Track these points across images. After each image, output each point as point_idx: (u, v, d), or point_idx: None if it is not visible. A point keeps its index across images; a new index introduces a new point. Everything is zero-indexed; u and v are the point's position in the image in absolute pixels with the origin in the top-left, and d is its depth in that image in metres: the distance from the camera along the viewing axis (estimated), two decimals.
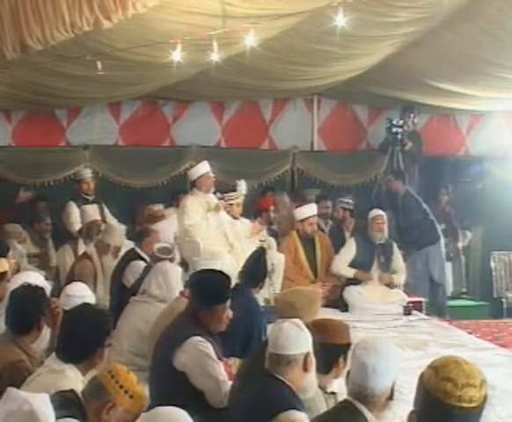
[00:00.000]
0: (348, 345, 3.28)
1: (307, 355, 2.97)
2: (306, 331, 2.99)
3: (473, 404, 1.95)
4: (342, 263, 7.57)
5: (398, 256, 7.77)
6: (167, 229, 7.13)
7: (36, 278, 4.37)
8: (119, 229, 7.14)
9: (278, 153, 9.69)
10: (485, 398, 1.98)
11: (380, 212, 7.69)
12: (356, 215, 8.55)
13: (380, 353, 2.62)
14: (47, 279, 5.26)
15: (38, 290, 3.68)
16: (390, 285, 7.55)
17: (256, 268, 5.06)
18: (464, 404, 1.94)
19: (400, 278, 7.69)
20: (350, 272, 7.51)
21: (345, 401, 2.67)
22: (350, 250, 7.62)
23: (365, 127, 10.04)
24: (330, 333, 3.26)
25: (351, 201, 8.62)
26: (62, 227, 8.06)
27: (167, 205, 8.40)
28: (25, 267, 6.75)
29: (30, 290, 3.68)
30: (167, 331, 3.94)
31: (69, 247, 7.37)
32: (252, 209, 8.23)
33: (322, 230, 8.28)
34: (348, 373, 2.71)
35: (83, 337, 3.03)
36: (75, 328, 3.08)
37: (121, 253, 6.62)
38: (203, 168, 7.44)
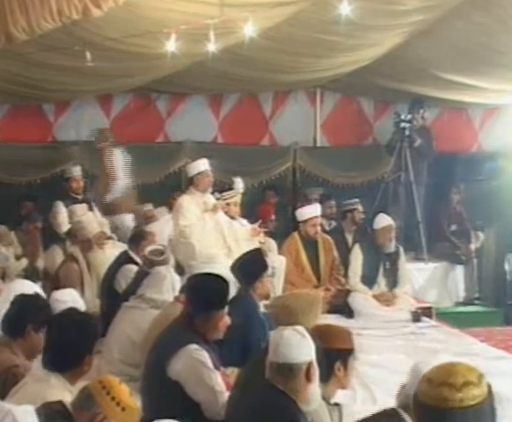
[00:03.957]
0: (348, 351, 3.27)
1: (310, 364, 2.97)
2: (309, 338, 2.99)
3: (477, 401, 1.97)
4: (356, 276, 7.60)
5: (403, 261, 7.78)
6: (160, 230, 7.14)
7: (32, 287, 4.42)
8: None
9: (278, 149, 9.70)
10: (489, 392, 2.00)
11: (390, 221, 7.65)
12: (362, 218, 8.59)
13: None
14: (34, 282, 5.27)
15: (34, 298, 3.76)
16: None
17: (252, 260, 5.07)
18: (469, 403, 1.95)
19: (403, 289, 7.69)
20: (368, 293, 7.53)
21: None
22: (358, 259, 7.65)
23: (371, 122, 10.05)
24: (328, 338, 3.25)
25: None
26: (49, 227, 8.06)
27: (157, 204, 8.40)
28: (12, 272, 6.77)
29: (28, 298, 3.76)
30: (161, 339, 3.94)
31: (58, 248, 7.38)
32: (252, 211, 8.21)
33: (326, 232, 8.29)
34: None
35: (70, 344, 3.03)
36: (61, 334, 3.09)
37: (113, 250, 6.65)
38: (203, 165, 7.44)
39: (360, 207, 8.49)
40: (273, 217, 8.56)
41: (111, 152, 8.20)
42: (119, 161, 8.12)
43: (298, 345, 2.95)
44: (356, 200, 8.59)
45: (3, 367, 3.38)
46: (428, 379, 2.02)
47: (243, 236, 7.35)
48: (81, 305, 4.20)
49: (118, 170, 8.08)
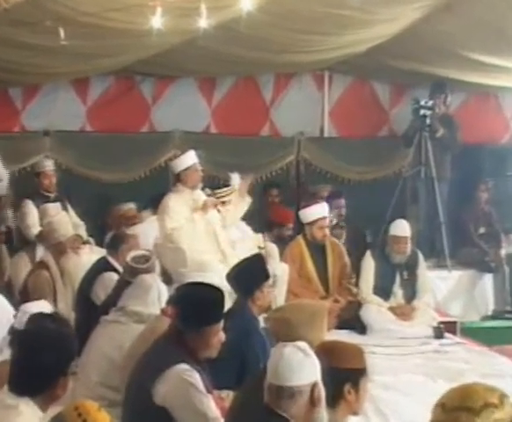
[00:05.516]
0: (360, 371, 3.27)
1: (314, 386, 2.97)
2: (313, 356, 2.98)
3: None
4: (369, 288, 7.62)
5: (423, 268, 7.78)
6: (145, 233, 7.13)
7: None
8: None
9: (281, 141, 9.70)
10: None
11: (404, 232, 7.63)
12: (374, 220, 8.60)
13: None
14: None
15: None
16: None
17: (252, 267, 5.07)
18: None
19: (423, 300, 7.69)
20: (383, 305, 7.54)
21: None
22: (370, 269, 7.66)
23: (386, 110, 10.05)
24: (337, 356, 3.25)
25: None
26: (16, 230, 8.06)
27: (143, 206, 8.38)
28: None
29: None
30: (145, 358, 3.95)
31: (26, 255, 7.38)
32: (256, 212, 8.17)
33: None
34: None
35: (41, 364, 3.03)
36: (31, 353, 3.09)
37: (90, 255, 6.63)
38: (190, 159, 7.46)
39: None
40: (291, 225, 8.47)
41: None
42: None
43: (301, 365, 2.95)
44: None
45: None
46: (442, 404, 1.99)
47: (235, 220, 7.38)
48: None
49: None
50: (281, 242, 8.18)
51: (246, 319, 4.84)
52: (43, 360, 3.04)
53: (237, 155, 9.05)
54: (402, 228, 7.67)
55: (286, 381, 2.93)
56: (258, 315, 5.02)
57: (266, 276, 5.10)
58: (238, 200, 7.55)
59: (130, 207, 8.27)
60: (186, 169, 7.43)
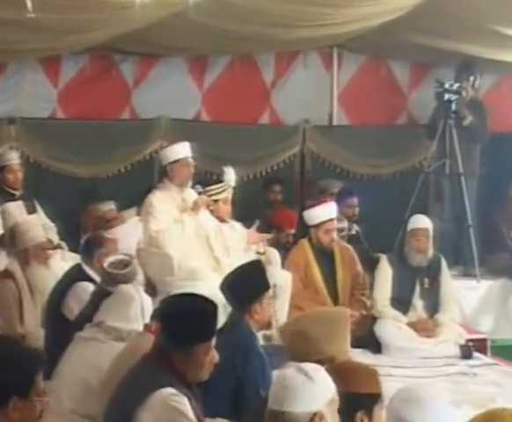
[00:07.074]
0: (374, 396, 3.27)
1: (315, 415, 2.96)
2: (318, 381, 2.97)
3: None
4: (385, 300, 7.61)
5: (446, 276, 7.77)
6: (127, 236, 7.13)
7: None
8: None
9: (283, 129, 9.71)
10: None
11: (423, 224, 7.63)
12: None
13: (425, 408, 2.63)
14: None
15: None
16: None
17: (250, 275, 5.08)
18: None
19: (448, 314, 7.69)
20: (402, 319, 7.54)
21: None
22: (386, 276, 7.65)
23: (405, 93, 10.06)
24: (348, 379, 3.24)
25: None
26: None
27: (125, 205, 8.37)
28: None
29: None
30: (126, 381, 3.95)
31: None
32: (256, 216, 8.17)
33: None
34: None
35: None
36: None
37: (61, 263, 6.63)
38: (181, 151, 7.45)
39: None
40: (292, 231, 8.45)
41: None
42: None
43: (300, 390, 2.93)
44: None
45: None
46: None
47: (236, 243, 7.35)
48: None
49: None
50: (283, 247, 8.18)
51: (243, 336, 4.84)
52: None
53: (233, 146, 9.07)
54: (421, 220, 7.69)
55: (286, 407, 2.92)
56: (256, 331, 5.02)
57: (267, 286, 5.09)
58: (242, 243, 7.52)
59: (110, 207, 8.26)
60: (174, 162, 7.41)
